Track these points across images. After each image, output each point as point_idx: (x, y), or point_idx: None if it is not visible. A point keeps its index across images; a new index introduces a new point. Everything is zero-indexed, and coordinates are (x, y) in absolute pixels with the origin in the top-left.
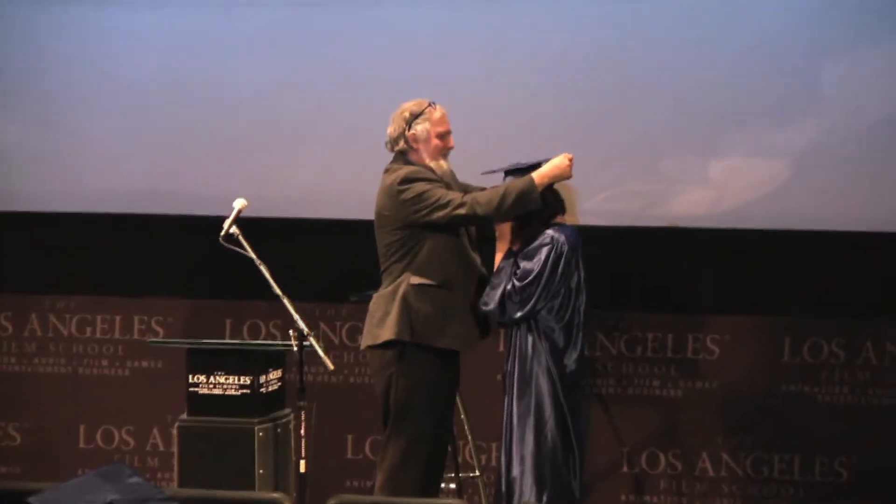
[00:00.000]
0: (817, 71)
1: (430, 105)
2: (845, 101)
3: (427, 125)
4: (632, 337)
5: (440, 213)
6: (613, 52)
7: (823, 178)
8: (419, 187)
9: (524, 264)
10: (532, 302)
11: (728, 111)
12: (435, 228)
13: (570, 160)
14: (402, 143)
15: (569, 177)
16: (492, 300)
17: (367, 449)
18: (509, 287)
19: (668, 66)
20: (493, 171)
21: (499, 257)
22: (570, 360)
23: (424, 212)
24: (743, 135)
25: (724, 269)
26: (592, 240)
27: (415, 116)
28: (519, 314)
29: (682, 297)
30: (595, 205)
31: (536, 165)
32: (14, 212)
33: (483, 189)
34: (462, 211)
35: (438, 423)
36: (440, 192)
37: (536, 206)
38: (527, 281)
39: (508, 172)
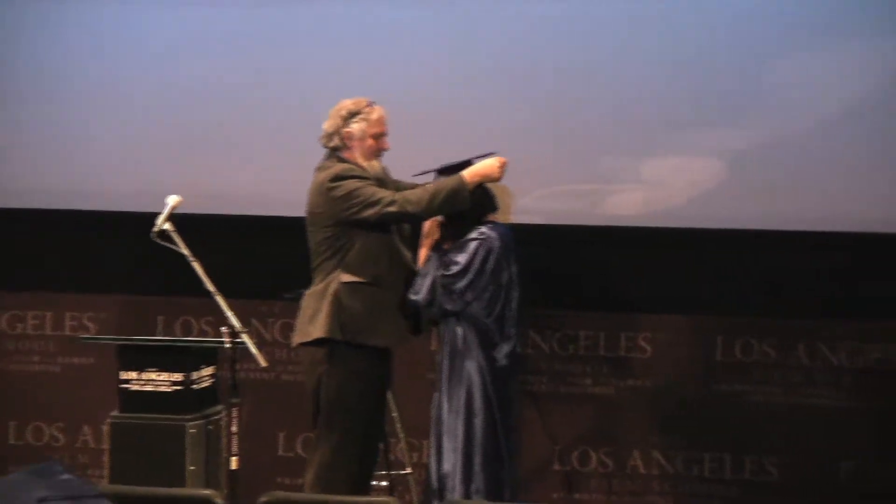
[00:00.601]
0: (753, 73)
1: (368, 105)
2: (780, 103)
3: (363, 125)
4: (564, 335)
5: (371, 211)
6: (551, 53)
7: (757, 179)
8: (350, 185)
9: (452, 256)
10: (460, 294)
11: (664, 112)
12: (366, 226)
13: (502, 163)
14: (336, 140)
15: (498, 178)
16: (420, 290)
17: (298, 446)
18: (437, 276)
19: (605, 66)
20: (425, 173)
21: (423, 253)
22: (501, 355)
23: (355, 209)
24: (678, 135)
25: (657, 268)
26: (527, 238)
27: (352, 115)
28: (450, 306)
29: (615, 296)
30: (530, 203)
31: (467, 163)
32: None
33: (416, 187)
34: (392, 209)
35: (369, 420)
36: (371, 190)
37: (466, 205)
38: (454, 272)
39: (441, 172)
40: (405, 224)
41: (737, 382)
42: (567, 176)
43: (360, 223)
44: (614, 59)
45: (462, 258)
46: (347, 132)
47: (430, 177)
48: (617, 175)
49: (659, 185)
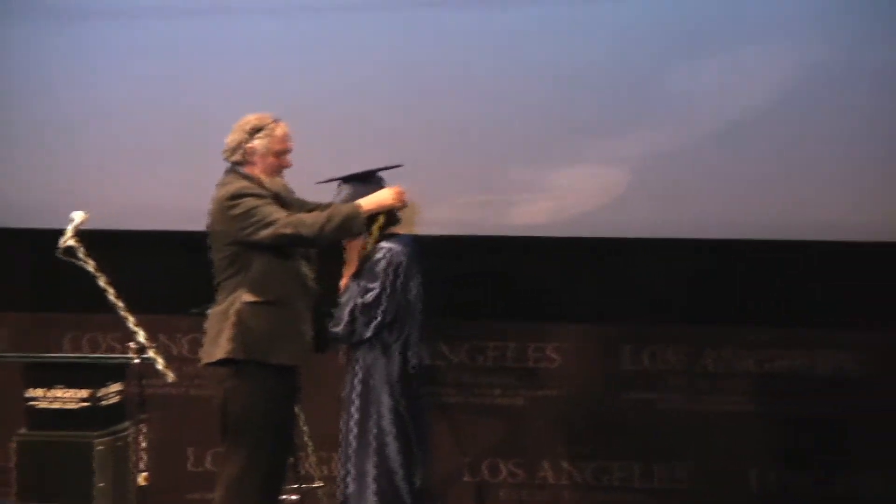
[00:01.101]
0: (656, 82)
1: (273, 121)
2: (683, 111)
3: (267, 141)
4: (473, 346)
5: (265, 232)
6: (455, 63)
7: (663, 187)
8: (248, 203)
9: (367, 283)
10: (379, 319)
11: (569, 121)
12: (262, 246)
13: (399, 192)
14: (238, 155)
15: (397, 207)
16: (340, 320)
17: (208, 461)
18: (357, 303)
19: (509, 76)
20: (330, 181)
21: (344, 282)
22: (411, 367)
23: (250, 230)
24: (582, 145)
25: (563, 278)
26: (434, 249)
27: (256, 130)
28: (368, 333)
29: (522, 306)
30: (437, 214)
31: (372, 174)
32: None
33: (319, 204)
34: (286, 231)
35: (277, 435)
36: (268, 210)
37: (360, 232)
38: (371, 298)
39: (345, 180)
40: (300, 247)
41: (645, 390)
42: (472, 186)
43: (255, 244)
44: (517, 68)
45: (376, 284)
46: (250, 147)
47: (336, 184)
48: (522, 185)
49: (563, 194)
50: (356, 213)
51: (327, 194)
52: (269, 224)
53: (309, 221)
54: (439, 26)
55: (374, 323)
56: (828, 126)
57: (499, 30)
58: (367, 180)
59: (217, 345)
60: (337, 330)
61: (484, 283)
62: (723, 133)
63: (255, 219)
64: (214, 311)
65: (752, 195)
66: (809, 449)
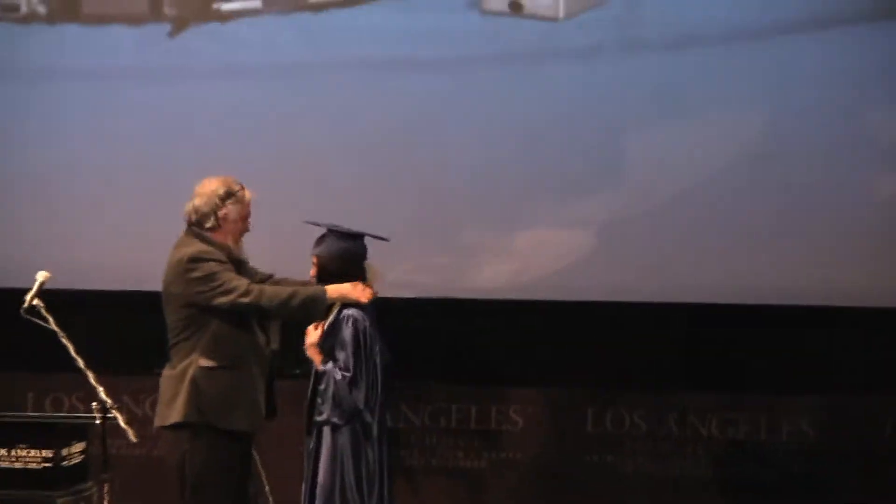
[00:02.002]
0: (617, 144)
1: (241, 187)
2: (644, 174)
3: (238, 207)
4: (436, 408)
5: (224, 299)
6: (416, 126)
7: (625, 250)
8: (208, 268)
9: (340, 356)
10: (363, 386)
11: (529, 184)
12: (218, 311)
13: (367, 292)
14: (211, 220)
15: (358, 302)
16: (327, 410)
17: None
18: (338, 378)
19: (470, 139)
20: (317, 224)
21: (312, 338)
22: (372, 432)
23: (209, 294)
24: (544, 207)
25: (526, 340)
26: (395, 312)
27: (229, 195)
28: (363, 404)
29: (484, 369)
30: (398, 276)
31: (360, 236)
32: None
33: (269, 277)
34: (246, 300)
35: (232, 499)
36: (228, 276)
37: (318, 317)
38: (351, 371)
39: (332, 231)
40: (257, 316)
41: (608, 453)
42: (433, 249)
43: (213, 309)
44: (477, 130)
45: (348, 360)
46: (224, 213)
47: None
48: (484, 248)
49: (526, 256)
50: (321, 299)
51: (284, 252)
52: (230, 290)
53: (271, 293)
54: (402, 89)
55: (362, 391)
56: (784, 194)
57: (462, 92)
58: (351, 240)
59: (172, 408)
60: (324, 418)
61: (446, 345)
62: (682, 195)
63: (215, 283)
64: (169, 373)
65: (712, 260)
66: None
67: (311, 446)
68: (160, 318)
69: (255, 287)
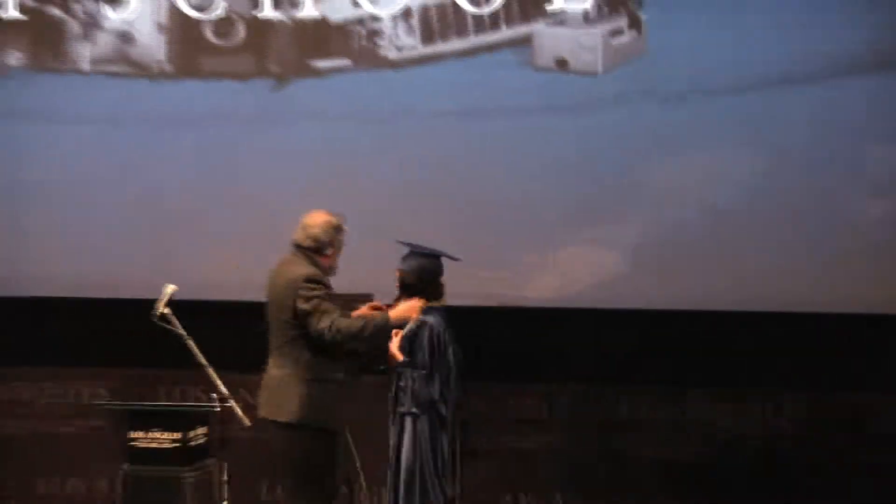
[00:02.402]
0: (642, 177)
1: (344, 224)
2: (664, 202)
3: (342, 239)
4: (495, 399)
5: (313, 327)
6: (477, 164)
7: (647, 265)
8: (317, 292)
9: (418, 356)
10: (437, 381)
11: (567, 211)
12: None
13: (417, 308)
14: (329, 249)
15: (412, 317)
16: (407, 402)
17: (278, 491)
18: (417, 375)
19: (520, 173)
20: (404, 244)
21: (394, 346)
22: (445, 415)
23: (307, 314)
24: (579, 230)
25: (567, 342)
26: (463, 318)
27: (338, 230)
28: (437, 395)
29: (532, 366)
30: (465, 289)
31: (436, 256)
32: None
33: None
34: (326, 336)
35: (329, 487)
36: (325, 307)
37: (386, 342)
38: (424, 368)
39: (414, 250)
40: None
41: (629, 440)
42: (491, 266)
43: (305, 328)
44: (525, 168)
45: (425, 360)
46: (338, 242)
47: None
48: (530, 265)
49: (563, 272)
50: (387, 325)
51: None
52: (320, 319)
53: (343, 327)
54: (465, 132)
55: (436, 385)
56: (785, 218)
57: (515, 134)
58: (428, 259)
59: (284, 407)
60: (405, 409)
61: (501, 346)
62: (698, 222)
63: (317, 308)
64: (278, 373)
65: (720, 273)
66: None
67: (394, 434)
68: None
69: (335, 324)
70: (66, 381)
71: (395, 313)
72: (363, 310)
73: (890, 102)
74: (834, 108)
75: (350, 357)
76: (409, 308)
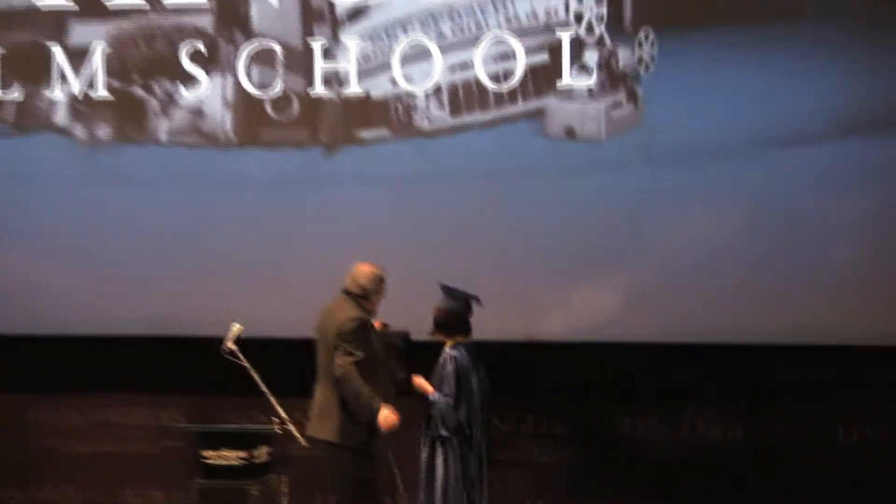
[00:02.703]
0: (642, 229)
1: (385, 276)
2: (661, 250)
3: (383, 289)
4: (516, 417)
5: (340, 360)
6: (501, 218)
7: (646, 306)
8: (357, 335)
9: (445, 385)
10: (463, 407)
11: (578, 257)
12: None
13: (394, 421)
14: (373, 297)
15: (389, 428)
16: (437, 426)
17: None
18: (444, 402)
19: (538, 225)
20: (442, 285)
21: (417, 381)
22: (474, 463)
23: (343, 350)
24: (589, 274)
25: (579, 371)
26: (489, 349)
27: (381, 281)
28: (464, 418)
29: (549, 388)
30: (489, 325)
31: (460, 297)
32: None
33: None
34: (337, 372)
35: (371, 496)
36: (357, 346)
37: (366, 417)
38: (451, 396)
39: (446, 291)
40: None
41: (633, 451)
42: (512, 306)
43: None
44: (541, 220)
45: (451, 388)
46: (378, 293)
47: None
48: (548, 305)
49: (576, 311)
50: (373, 413)
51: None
52: (347, 358)
53: (352, 380)
54: (489, 191)
55: (462, 410)
56: (765, 260)
57: (531, 193)
58: (456, 300)
59: (326, 426)
60: (435, 433)
61: (522, 373)
62: (691, 266)
63: (352, 347)
64: (322, 392)
65: (711, 310)
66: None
67: (424, 455)
68: (312, 354)
69: (349, 371)
70: (148, 407)
71: (381, 418)
72: (377, 323)
73: (855, 164)
74: (806, 168)
75: (385, 381)
76: (382, 419)
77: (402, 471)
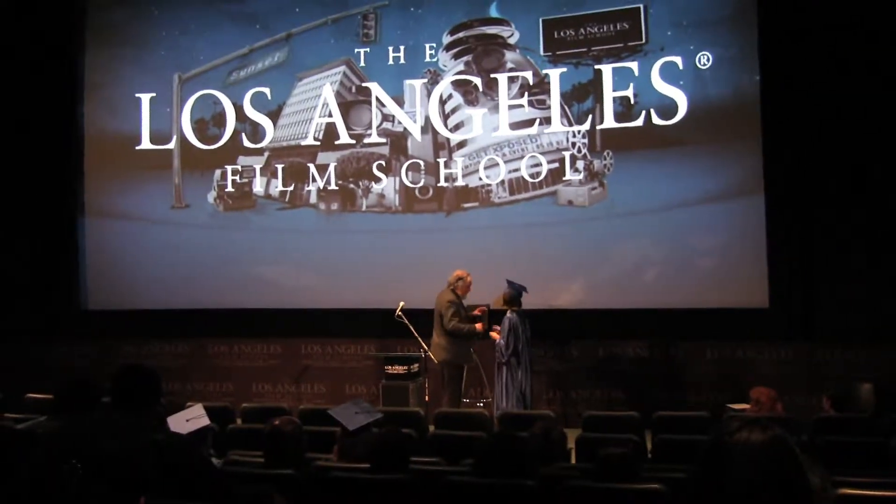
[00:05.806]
0: (608, 254)
1: (468, 275)
2: (618, 266)
3: (462, 283)
4: (560, 350)
5: (448, 322)
6: (531, 249)
7: (608, 299)
8: (455, 308)
9: (502, 333)
10: (511, 349)
11: (570, 270)
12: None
13: (483, 328)
14: (461, 287)
15: (483, 335)
16: (497, 356)
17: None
18: (501, 343)
19: (552, 252)
20: (508, 280)
21: (479, 326)
22: (523, 374)
23: (448, 317)
24: (576, 279)
25: (581, 328)
26: (532, 315)
27: (460, 279)
28: (510, 356)
29: (566, 335)
30: (530, 301)
31: (518, 286)
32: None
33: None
34: (448, 326)
35: (460, 386)
36: (452, 312)
37: (472, 339)
38: (504, 342)
39: (509, 283)
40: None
41: (631, 365)
42: (540, 291)
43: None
44: (551, 252)
45: (504, 334)
46: (465, 283)
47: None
48: (559, 290)
49: (577, 293)
50: (473, 333)
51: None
52: (450, 322)
53: (455, 327)
54: (526, 235)
55: (510, 351)
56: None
57: (545, 239)
58: (514, 289)
59: (440, 353)
60: (497, 360)
61: (552, 328)
62: (643, 272)
63: (452, 314)
64: (437, 341)
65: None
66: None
67: (496, 371)
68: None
69: (454, 324)
70: (358, 344)
71: (480, 326)
72: (477, 311)
73: (719, 216)
74: (694, 220)
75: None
76: (480, 328)
77: (487, 376)
